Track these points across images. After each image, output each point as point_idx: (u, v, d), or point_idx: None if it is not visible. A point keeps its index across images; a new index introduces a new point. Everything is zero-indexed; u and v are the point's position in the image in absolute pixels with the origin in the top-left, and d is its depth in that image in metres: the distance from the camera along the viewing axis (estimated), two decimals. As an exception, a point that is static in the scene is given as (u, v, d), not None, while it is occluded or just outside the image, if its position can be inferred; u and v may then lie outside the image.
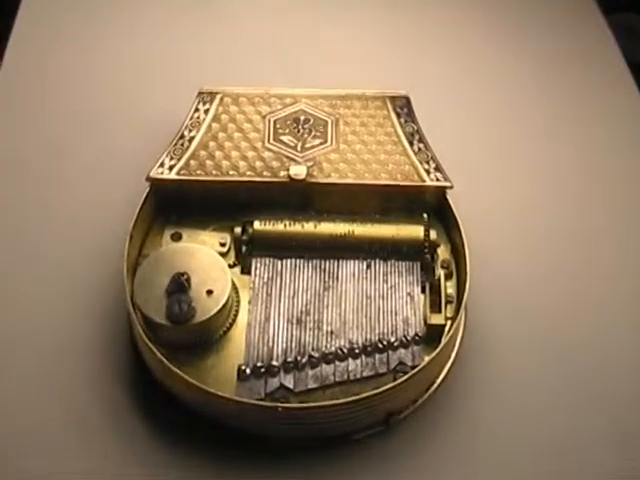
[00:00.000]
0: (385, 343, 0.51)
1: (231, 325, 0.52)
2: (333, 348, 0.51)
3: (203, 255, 0.53)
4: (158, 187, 0.56)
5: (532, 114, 0.69)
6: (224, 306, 0.51)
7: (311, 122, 0.59)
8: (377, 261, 0.54)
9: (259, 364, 0.50)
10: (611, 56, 0.74)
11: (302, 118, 0.59)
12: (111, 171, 0.63)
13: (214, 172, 0.56)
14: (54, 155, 0.64)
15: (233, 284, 0.52)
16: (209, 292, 0.51)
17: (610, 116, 0.69)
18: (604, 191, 0.64)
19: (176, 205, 0.57)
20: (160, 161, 0.56)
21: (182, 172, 0.56)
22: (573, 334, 0.55)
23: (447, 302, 0.53)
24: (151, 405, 0.51)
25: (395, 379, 0.49)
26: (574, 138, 0.67)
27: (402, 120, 0.59)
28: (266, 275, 0.54)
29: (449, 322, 0.52)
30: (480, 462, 0.50)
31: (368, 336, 0.51)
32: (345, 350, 0.50)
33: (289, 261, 0.54)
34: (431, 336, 0.51)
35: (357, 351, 0.50)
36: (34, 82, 0.69)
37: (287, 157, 0.56)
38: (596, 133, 0.68)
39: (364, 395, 0.47)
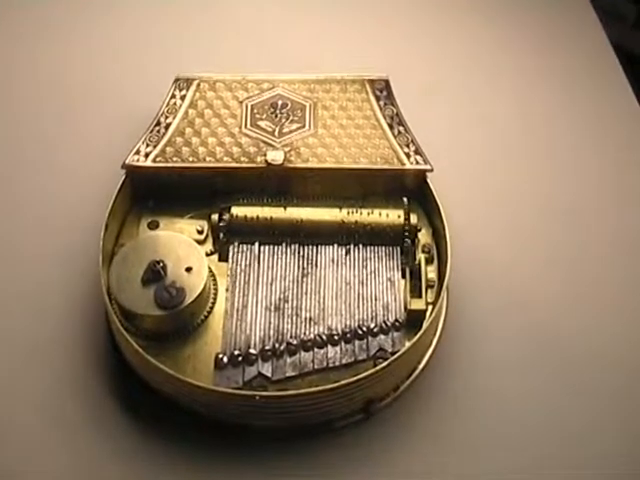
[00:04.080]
0: (365, 329, 0.50)
1: (209, 313, 0.51)
2: (312, 335, 0.50)
3: (170, 239, 0.52)
4: (134, 175, 0.55)
5: (514, 97, 0.68)
6: (207, 280, 0.51)
7: (289, 107, 0.58)
8: (356, 246, 0.53)
9: (237, 352, 0.49)
10: (597, 39, 0.73)
11: (280, 103, 0.58)
12: (87, 159, 0.62)
13: (191, 159, 0.55)
14: (29, 143, 0.63)
15: (210, 270, 0.52)
16: (188, 269, 0.50)
17: (596, 99, 0.68)
18: (588, 173, 0.63)
19: (152, 193, 0.56)
20: (136, 148, 0.55)
21: (158, 159, 0.55)
22: (556, 317, 0.55)
23: (428, 287, 0.52)
24: (130, 396, 0.51)
25: (375, 366, 0.48)
26: (558, 121, 0.66)
27: (381, 103, 0.58)
28: (244, 262, 0.53)
29: (430, 307, 0.51)
30: (462, 449, 0.49)
31: (347, 322, 0.50)
32: (324, 337, 0.50)
33: (267, 247, 0.53)
34: (412, 322, 0.51)
35: (336, 338, 0.50)
36: (7, 70, 0.68)
37: (264, 142, 0.56)
38: (581, 116, 0.67)
39: (343, 382, 0.47)
